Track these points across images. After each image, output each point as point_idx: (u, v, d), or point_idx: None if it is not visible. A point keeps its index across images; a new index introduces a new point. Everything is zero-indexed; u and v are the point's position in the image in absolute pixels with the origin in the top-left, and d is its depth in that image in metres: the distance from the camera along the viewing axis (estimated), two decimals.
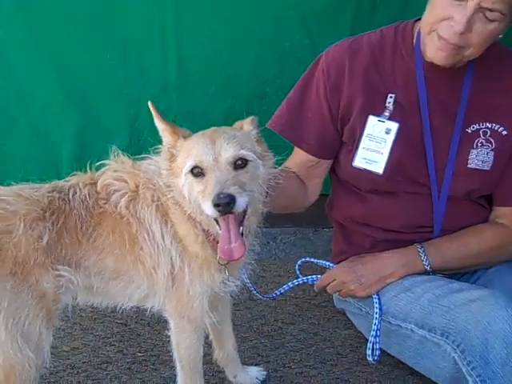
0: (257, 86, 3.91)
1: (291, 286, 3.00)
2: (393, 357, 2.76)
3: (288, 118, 2.83)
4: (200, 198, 2.10)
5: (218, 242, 2.23)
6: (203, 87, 3.96)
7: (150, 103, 2.24)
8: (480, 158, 2.65)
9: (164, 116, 2.28)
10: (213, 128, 2.28)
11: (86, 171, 2.39)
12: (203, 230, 2.26)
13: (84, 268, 2.26)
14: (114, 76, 3.99)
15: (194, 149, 2.15)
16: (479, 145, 2.64)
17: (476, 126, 2.64)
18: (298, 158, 2.87)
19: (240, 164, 2.13)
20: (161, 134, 2.28)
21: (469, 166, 2.66)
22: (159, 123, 2.25)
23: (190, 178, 2.14)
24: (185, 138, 2.23)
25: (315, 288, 2.95)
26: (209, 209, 2.04)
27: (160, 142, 2.33)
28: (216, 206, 2.01)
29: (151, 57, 3.95)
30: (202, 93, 3.96)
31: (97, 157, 2.40)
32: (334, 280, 2.81)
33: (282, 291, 3.02)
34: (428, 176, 2.67)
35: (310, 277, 2.94)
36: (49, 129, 4.17)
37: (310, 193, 2.91)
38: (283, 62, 3.84)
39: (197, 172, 2.12)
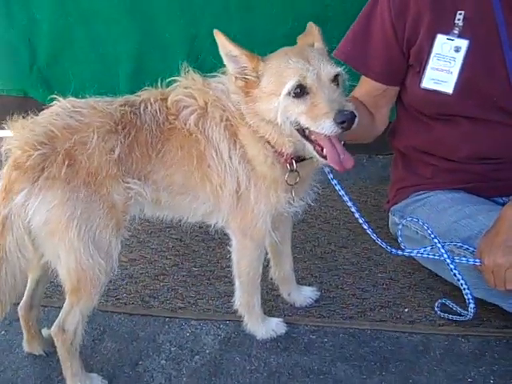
0: (319, 9, 3.85)
1: (431, 257, 2.54)
2: (446, 284, 2.78)
3: (353, 46, 2.79)
4: (305, 118, 2.10)
5: (289, 163, 2.29)
6: (265, 7, 3.91)
7: (216, 31, 2.18)
8: None
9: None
10: (291, 48, 2.25)
11: (156, 87, 2.39)
12: (274, 151, 2.27)
13: (152, 182, 2.30)
14: None
15: (288, 70, 2.12)
16: None
17: None
18: (365, 87, 2.84)
19: (335, 80, 2.14)
20: (231, 62, 2.21)
21: None
22: (233, 49, 2.18)
23: (289, 99, 2.12)
24: (263, 61, 2.20)
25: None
26: (328, 127, 2.04)
27: (217, 63, 2.30)
28: (341, 123, 2.02)
29: None
30: (263, 13, 3.92)
31: (154, 75, 2.40)
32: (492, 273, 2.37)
33: (416, 254, 2.61)
34: (509, 98, 2.57)
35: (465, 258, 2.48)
36: (108, 46, 4.22)
37: (378, 122, 2.90)
38: None
39: (297, 92, 2.10)
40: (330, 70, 2.11)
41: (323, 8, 3.87)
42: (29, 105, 4.08)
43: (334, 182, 2.53)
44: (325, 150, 2.16)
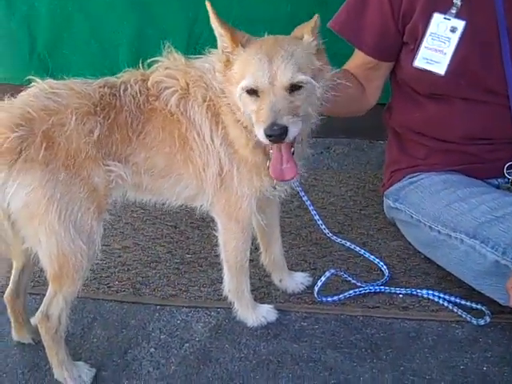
0: None
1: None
2: (441, 268, 2.73)
3: (347, 17, 2.74)
4: (253, 118, 2.07)
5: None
6: None
7: (207, 3, 2.13)
8: None
9: (224, 19, 2.19)
10: (272, 38, 2.16)
11: (137, 68, 2.36)
12: (255, 136, 2.21)
13: (133, 164, 2.26)
14: None
15: (250, 66, 2.06)
16: None
17: None
18: (357, 59, 2.80)
19: (296, 87, 2.05)
20: (218, 37, 2.18)
21: None
22: (218, 27, 2.14)
23: (245, 95, 2.08)
24: (243, 45, 2.12)
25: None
26: (261, 136, 2.02)
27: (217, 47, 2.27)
28: (268, 136, 1.98)
29: None
30: None
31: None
32: None
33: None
34: (501, 80, 2.53)
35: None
36: (107, 32, 4.22)
37: (369, 95, 2.86)
38: None
39: (251, 91, 2.06)
40: (287, 77, 2.01)
41: None
42: None
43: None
44: (270, 152, 2.13)
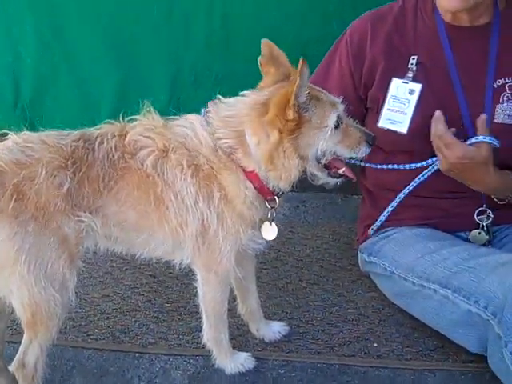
0: (298, 48, 3.92)
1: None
2: (415, 319, 2.79)
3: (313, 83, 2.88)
4: (340, 147, 2.31)
5: (271, 200, 2.38)
6: (246, 47, 3.99)
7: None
8: (507, 112, 2.67)
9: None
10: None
11: (117, 120, 2.42)
12: (260, 188, 2.32)
13: (103, 216, 2.30)
14: (158, 32, 4.06)
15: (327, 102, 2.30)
16: (505, 99, 2.67)
17: (502, 81, 2.67)
18: None
19: None
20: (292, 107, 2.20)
21: (495, 120, 2.67)
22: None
23: (332, 131, 2.27)
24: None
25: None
26: (366, 149, 2.36)
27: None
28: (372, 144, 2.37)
29: (196, 14, 4.01)
30: (244, 52, 3.99)
31: (135, 113, 2.44)
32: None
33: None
34: (463, 136, 2.63)
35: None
36: (90, 82, 4.28)
37: None
38: (326, 25, 3.87)
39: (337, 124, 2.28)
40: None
41: (302, 46, 3.95)
42: None
43: None
44: (343, 169, 2.38)
